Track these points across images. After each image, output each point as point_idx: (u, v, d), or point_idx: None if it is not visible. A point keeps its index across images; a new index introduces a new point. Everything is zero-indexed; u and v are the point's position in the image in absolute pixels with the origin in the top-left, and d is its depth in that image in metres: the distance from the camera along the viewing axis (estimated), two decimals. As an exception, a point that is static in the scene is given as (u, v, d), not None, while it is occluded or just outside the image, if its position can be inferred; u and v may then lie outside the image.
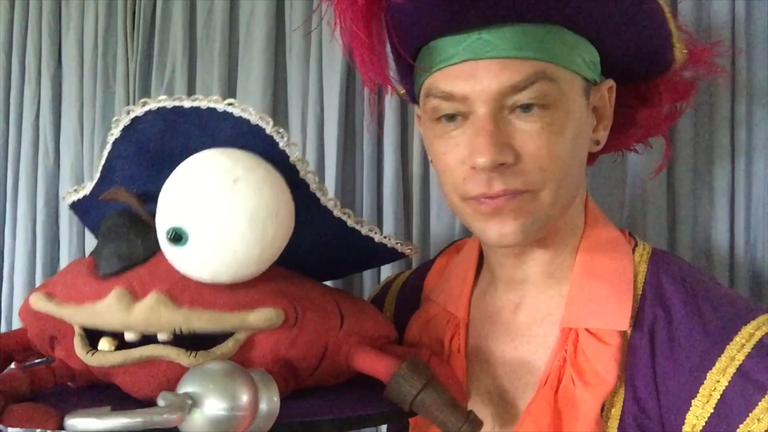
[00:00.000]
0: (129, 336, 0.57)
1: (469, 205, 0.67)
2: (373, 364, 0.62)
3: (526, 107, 0.63)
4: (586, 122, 0.69)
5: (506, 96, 0.63)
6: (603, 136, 0.72)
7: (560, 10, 0.64)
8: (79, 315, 0.58)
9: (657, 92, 0.76)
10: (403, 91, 0.85)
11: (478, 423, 0.58)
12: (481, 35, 0.63)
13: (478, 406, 0.72)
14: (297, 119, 1.16)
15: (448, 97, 0.65)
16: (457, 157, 0.66)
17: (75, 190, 0.74)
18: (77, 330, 0.59)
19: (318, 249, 0.70)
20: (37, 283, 1.25)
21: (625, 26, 0.67)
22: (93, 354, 0.57)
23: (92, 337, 0.59)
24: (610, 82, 0.71)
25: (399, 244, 0.73)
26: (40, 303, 0.61)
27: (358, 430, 0.64)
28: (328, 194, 0.66)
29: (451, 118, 0.66)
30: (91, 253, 0.65)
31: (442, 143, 0.67)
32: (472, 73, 0.63)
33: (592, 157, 0.75)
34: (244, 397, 0.50)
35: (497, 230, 0.66)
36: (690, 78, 0.79)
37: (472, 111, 0.64)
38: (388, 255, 0.75)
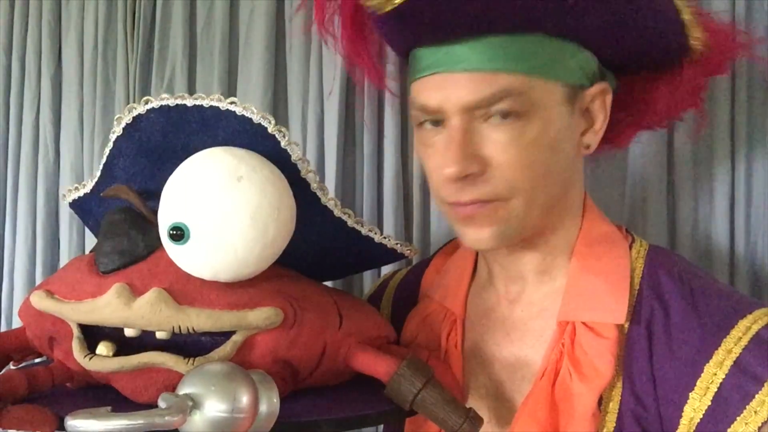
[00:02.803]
0: (129, 332, 0.57)
1: (447, 209, 0.69)
2: (373, 364, 0.62)
3: (496, 118, 0.64)
4: (569, 129, 0.68)
5: (477, 108, 0.64)
6: (593, 140, 0.70)
7: (535, 23, 0.63)
8: (79, 312, 0.58)
9: (689, 73, 0.74)
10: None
11: (478, 420, 0.59)
12: (453, 48, 0.64)
13: (475, 402, 0.72)
14: (297, 119, 1.16)
15: (424, 109, 0.67)
16: (434, 164, 0.68)
17: (75, 188, 0.74)
18: (75, 332, 0.59)
19: (318, 249, 0.70)
20: (37, 283, 1.25)
21: (618, 30, 0.67)
22: (91, 358, 0.57)
23: (91, 340, 0.59)
24: (603, 85, 0.69)
25: (399, 245, 0.73)
26: (41, 301, 0.60)
27: (357, 429, 0.64)
28: (329, 194, 0.66)
29: (434, 122, 0.68)
30: (92, 250, 0.65)
31: (424, 149, 0.70)
32: (444, 85, 0.65)
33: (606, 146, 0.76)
34: (245, 399, 0.50)
35: (473, 236, 0.68)
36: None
37: (446, 120, 0.66)
38: (388, 256, 0.75)
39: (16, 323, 0.67)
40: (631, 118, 0.78)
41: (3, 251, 1.38)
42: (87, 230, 1.28)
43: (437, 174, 0.67)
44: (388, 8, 0.61)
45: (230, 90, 1.20)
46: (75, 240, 1.30)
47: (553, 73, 0.65)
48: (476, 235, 0.68)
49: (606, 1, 0.63)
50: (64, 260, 1.32)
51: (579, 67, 0.67)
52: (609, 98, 0.70)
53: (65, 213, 1.32)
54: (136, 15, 1.26)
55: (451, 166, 0.64)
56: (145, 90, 1.25)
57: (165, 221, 0.57)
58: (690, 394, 0.62)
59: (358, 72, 0.71)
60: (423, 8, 0.61)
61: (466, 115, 0.64)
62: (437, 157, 0.67)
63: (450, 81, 0.64)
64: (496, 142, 0.64)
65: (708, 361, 0.62)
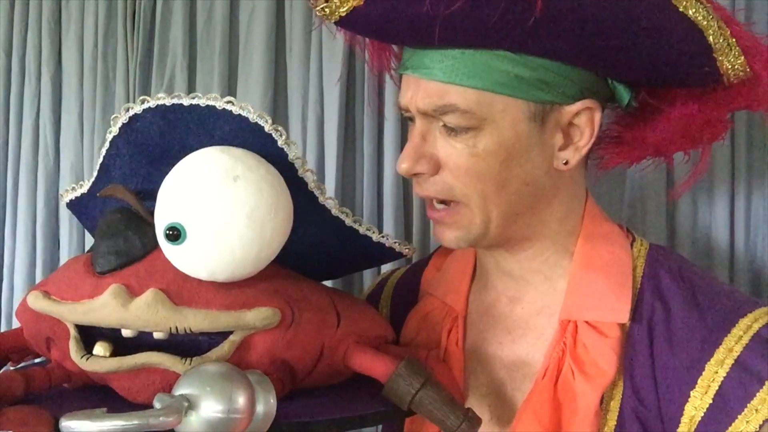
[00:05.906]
0: (126, 333, 0.57)
1: None
2: (371, 364, 0.62)
3: (449, 129, 0.65)
4: (539, 144, 0.66)
5: (427, 115, 0.66)
6: (573, 156, 0.67)
7: (493, 41, 0.61)
8: (76, 312, 0.58)
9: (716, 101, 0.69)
10: None
11: (476, 420, 0.58)
12: (417, 53, 0.66)
13: (476, 400, 0.72)
14: (297, 119, 1.16)
15: (399, 105, 0.70)
16: None
17: (72, 188, 0.74)
18: (72, 333, 0.59)
19: (316, 248, 0.70)
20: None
21: (604, 53, 0.63)
22: (88, 359, 0.57)
23: (88, 340, 0.59)
24: (588, 103, 0.65)
25: (397, 244, 0.73)
26: (37, 302, 0.60)
27: (355, 430, 0.64)
28: (326, 193, 0.66)
29: (411, 118, 0.70)
30: (89, 250, 0.65)
31: None
32: (410, 86, 0.67)
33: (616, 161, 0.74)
34: (241, 400, 0.50)
35: (439, 236, 0.72)
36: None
37: (414, 118, 0.68)
38: (387, 255, 0.75)
39: (16, 323, 0.67)
40: (639, 140, 0.72)
41: (3, 251, 1.38)
42: (87, 231, 1.28)
43: None
44: (334, 20, 0.63)
45: (230, 90, 1.21)
46: (75, 240, 1.31)
47: (514, 91, 0.63)
48: (441, 236, 0.71)
49: (580, 23, 0.59)
50: (64, 260, 1.32)
51: (553, 83, 0.63)
52: (597, 116, 0.66)
53: (65, 213, 1.32)
54: (136, 15, 1.26)
55: (402, 163, 0.67)
56: (145, 90, 1.26)
57: (161, 221, 0.57)
58: (691, 392, 0.62)
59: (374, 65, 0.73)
60: (368, 17, 0.62)
61: (426, 118, 0.66)
62: None
63: (413, 83, 0.67)
64: (446, 148, 0.66)
65: (709, 360, 0.62)
